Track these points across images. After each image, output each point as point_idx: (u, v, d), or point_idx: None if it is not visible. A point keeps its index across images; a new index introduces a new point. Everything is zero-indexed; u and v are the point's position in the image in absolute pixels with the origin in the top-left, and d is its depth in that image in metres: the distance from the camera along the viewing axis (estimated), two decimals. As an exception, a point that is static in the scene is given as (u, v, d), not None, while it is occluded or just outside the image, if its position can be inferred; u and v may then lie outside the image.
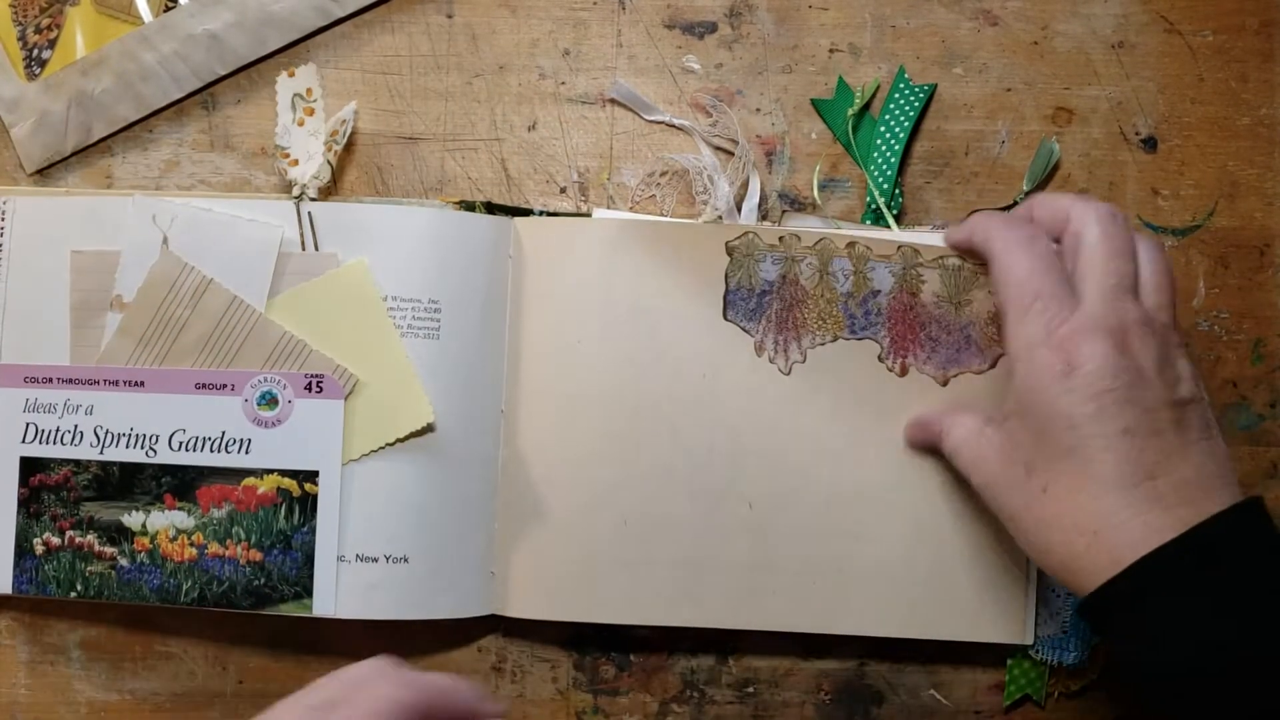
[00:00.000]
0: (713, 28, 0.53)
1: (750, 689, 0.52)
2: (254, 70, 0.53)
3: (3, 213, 0.51)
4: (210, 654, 0.52)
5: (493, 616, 0.50)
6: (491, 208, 0.52)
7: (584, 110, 0.53)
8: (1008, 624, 0.49)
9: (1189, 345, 0.52)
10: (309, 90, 0.51)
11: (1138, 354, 0.39)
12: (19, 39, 0.52)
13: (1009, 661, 0.51)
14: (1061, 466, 0.39)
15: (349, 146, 0.52)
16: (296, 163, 0.50)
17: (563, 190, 0.53)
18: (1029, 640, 0.49)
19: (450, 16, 0.54)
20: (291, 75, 0.51)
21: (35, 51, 0.52)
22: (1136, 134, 0.53)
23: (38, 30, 0.52)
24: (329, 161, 0.50)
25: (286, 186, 0.51)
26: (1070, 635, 0.49)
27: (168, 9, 0.52)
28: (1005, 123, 0.53)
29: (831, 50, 0.53)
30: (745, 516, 0.49)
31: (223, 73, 0.53)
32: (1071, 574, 0.39)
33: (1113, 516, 0.38)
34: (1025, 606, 0.49)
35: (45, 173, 0.53)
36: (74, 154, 0.53)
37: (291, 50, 0.53)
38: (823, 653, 0.52)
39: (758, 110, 0.53)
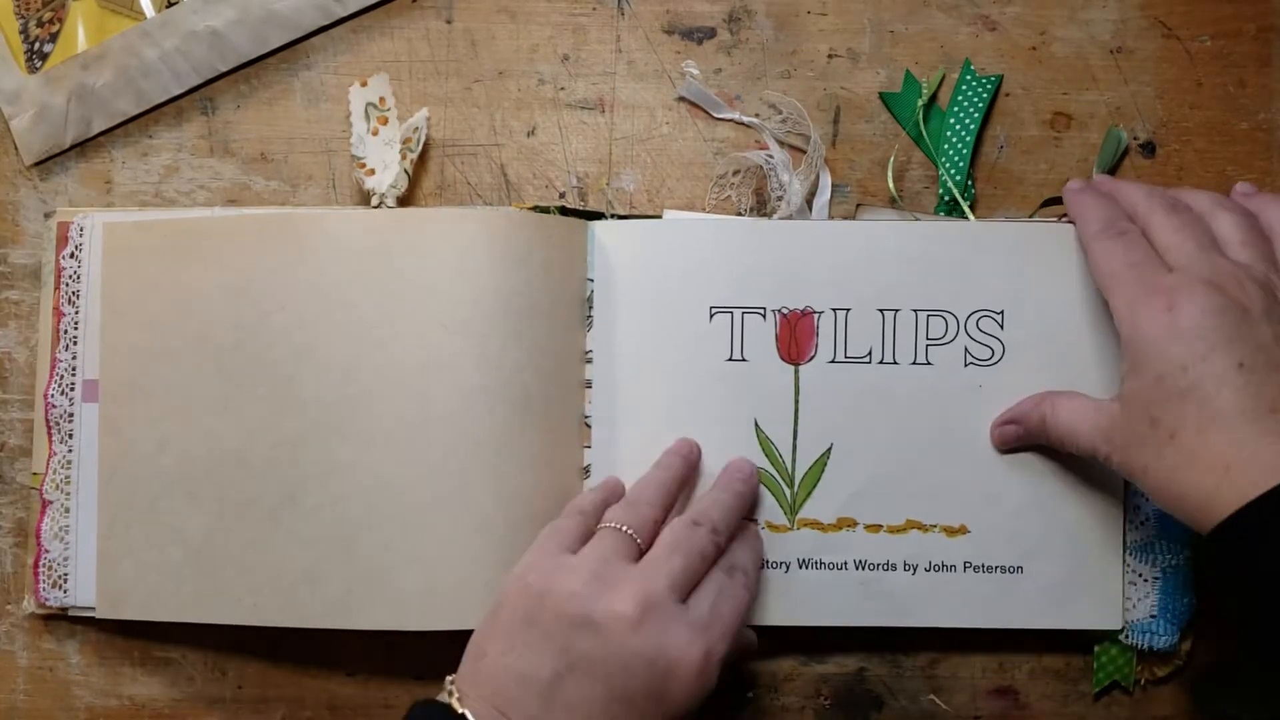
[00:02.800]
0: (711, 33, 0.53)
1: (750, 693, 0.52)
2: (254, 75, 0.53)
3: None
4: (209, 660, 0.52)
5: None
6: (565, 212, 0.51)
7: (583, 115, 0.53)
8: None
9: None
10: (382, 99, 0.51)
11: (1239, 297, 0.41)
12: (21, 32, 0.53)
13: (1096, 648, 0.51)
14: (1184, 409, 0.40)
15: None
16: (373, 172, 0.50)
17: (561, 195, 0.53)
18: (1118, 625, 0.49)
19: (450, 22, 0.54)
20: (364, 85, 0.51)
21: (37, 44, 0.52)
22: (1135, 139, 0.53)
23: (40, 23, 0.52)
24: (405, 170, 0.50)
25: (364, 197, 0.51)
26: (1160, 619, 0.49)
27: (170, 5, 0.52)
28: (1004, 128, 0.53)
29: (830, 55, 0.53)
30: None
31: (223, 70, 0.53)
32: (1207, 515, 0.39)
33: (1242, 449, 0.38)
34: (1118, 590, 0.49)
35: (43, 166, 0.53)
36: (73, 147, 0.53)
37: (291, 49, 0.53)
38: (822, 657, 0.52)
39: (756, 115, 0.53)
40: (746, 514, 0.48)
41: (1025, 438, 0.48)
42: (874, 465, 0.49)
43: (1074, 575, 0.49)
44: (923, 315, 0.50)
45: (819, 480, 0.50)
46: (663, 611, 0.41)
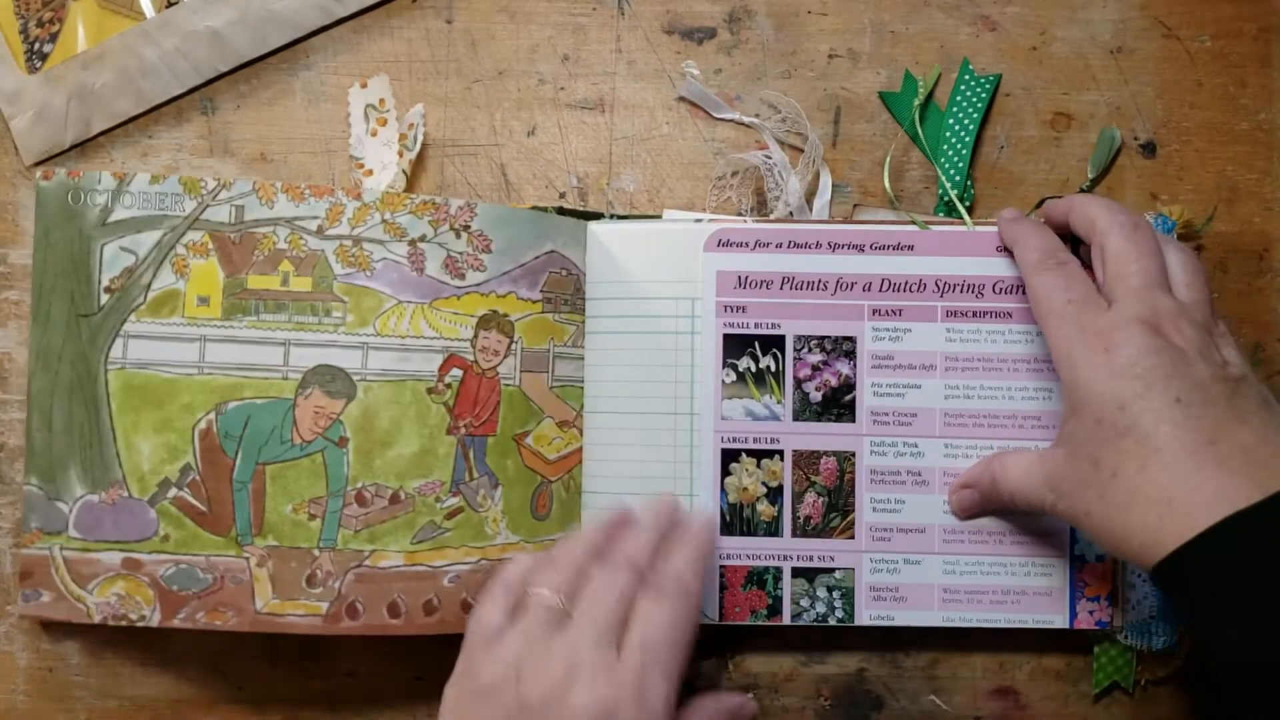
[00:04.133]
0: (712, 33, 0.53)
1: (750, 694, 0.52)
2: (254, 75, 0.53)
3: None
4: (209, 660, 0.52)
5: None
6: (563, 212, 0.51)
7: (583, 115, 0.53)
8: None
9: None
10: (381, 100, 0.51)
11: (1175, 339, 0.41)
12: (21, 32, 0.53)
13: (1095, 649, 0.51)
14: (1124, 446, 0.40)
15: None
16: (371, 173, 0.50)
17: (561, 195, 0.53)
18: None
19: (450, 22, 0.54)
20: (364, 86, 0.51)
21: (37, 44, 0.52)
22: (1135, 139, 0.53)
23: (40, 24, 0.52)
24: (403, 170, 0.50)
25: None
26: (1158, 620, 0.49)
27: (170, 5, 0.52)
28: (1004, 128, 0.53)
29: (830, 55, 0.53)
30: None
31: (223, 70, 0.53)
32: (1152, 552, 0.39)
33: (1184, 483, 0.38)
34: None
35: (43, 166, 0.53)
36: (73, 147, 0.53)
37: (291, 49, 0.53)
38: (823, 657, 0.52)
39: (756, 115, 0.53)
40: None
41: (981, 502, 0.48)
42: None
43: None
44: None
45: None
46: (593, 672, 0.39)
